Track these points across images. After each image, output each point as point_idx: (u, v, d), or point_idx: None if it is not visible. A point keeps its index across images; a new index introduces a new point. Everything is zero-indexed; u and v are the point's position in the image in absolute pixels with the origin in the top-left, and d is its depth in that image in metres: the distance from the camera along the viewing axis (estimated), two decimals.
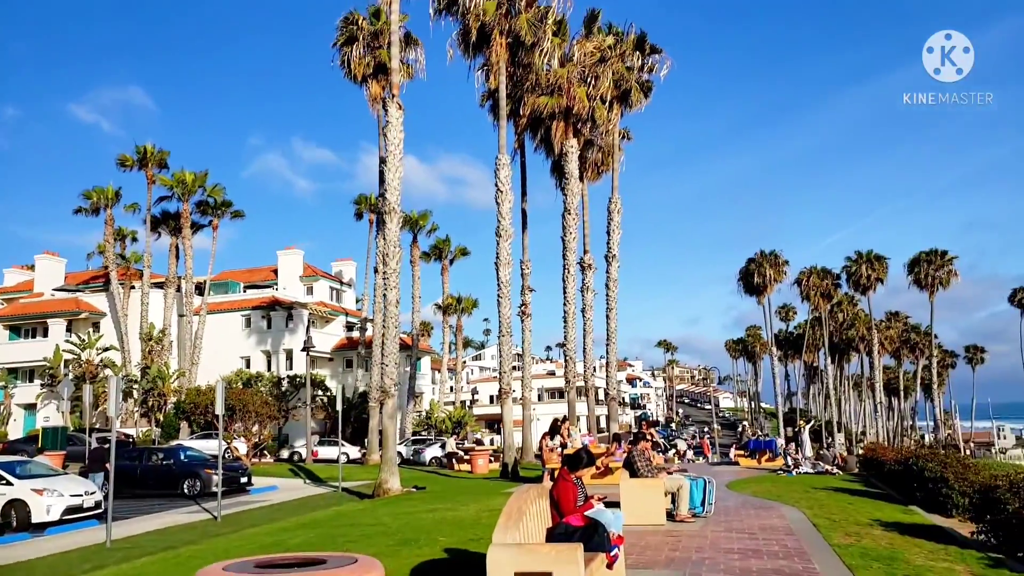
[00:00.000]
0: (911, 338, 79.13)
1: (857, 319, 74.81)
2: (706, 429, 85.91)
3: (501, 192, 29.06)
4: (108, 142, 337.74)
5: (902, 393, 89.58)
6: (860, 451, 32.83)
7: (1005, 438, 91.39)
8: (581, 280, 34.43)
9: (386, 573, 8.27)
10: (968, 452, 58.59)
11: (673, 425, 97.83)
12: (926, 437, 76.15)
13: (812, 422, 66.59)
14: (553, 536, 6.61)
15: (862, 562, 8.65)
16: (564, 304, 33.47)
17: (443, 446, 42.16)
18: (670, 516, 11.89)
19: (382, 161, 22.69)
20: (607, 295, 34.94)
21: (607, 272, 35.03)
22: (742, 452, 33.09)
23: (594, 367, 41.79)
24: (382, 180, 22.68)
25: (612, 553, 6.73)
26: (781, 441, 33.04)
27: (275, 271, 60.72)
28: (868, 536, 10.83)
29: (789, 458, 26.74)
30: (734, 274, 64.89)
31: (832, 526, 11.64)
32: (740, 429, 54.72)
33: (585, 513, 6.95)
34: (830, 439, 49.25)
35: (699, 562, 8.60)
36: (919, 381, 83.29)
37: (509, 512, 6.08)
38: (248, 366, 52.13)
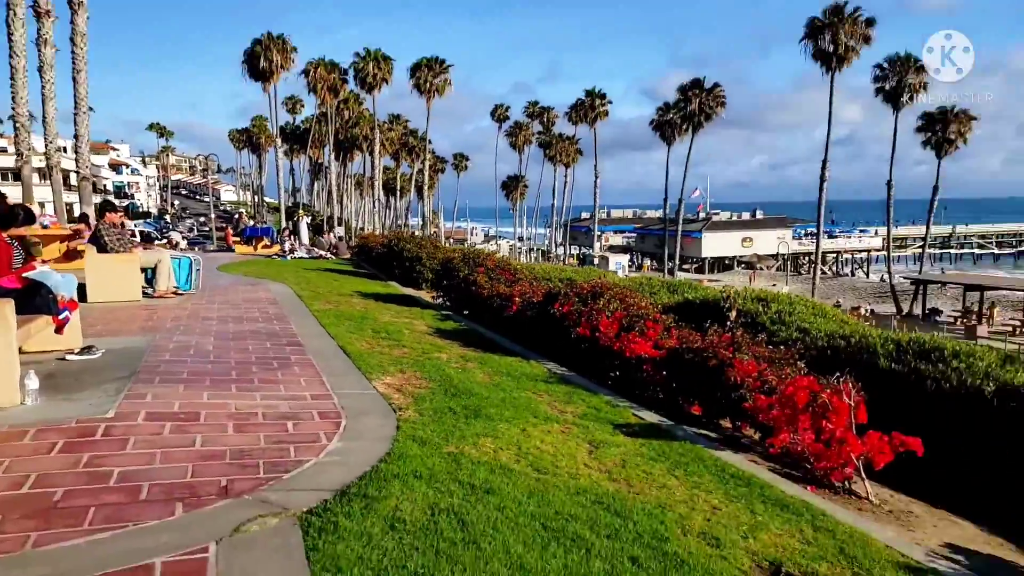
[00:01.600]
0: (409, 142, 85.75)
1: (362, 118, 77.96)
2: (202, 219, 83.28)
3: None
4: None
5: (399, 193, 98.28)
6: (356, 241, 35.08)
7: (476, 235, 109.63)
8: (36, 30, 27.83)
9: None
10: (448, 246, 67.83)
11: (167, 217, 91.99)
12: (415, 233, 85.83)
13: (314, 216, 69.31)
14: None
15: (335, 321, 9.24)
16: (11, 58, 27.06)
17: None
18: (147, 295, 11.10)
19: None
20: (73, 52, 28.68)
21: (72, 23, 28.72)
22: (238, 239, 32.83)
23: (64, 147, 35.70)
24: None
25: (61, 316, 5.90)
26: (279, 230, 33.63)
27: None
28: (346, 303, 11.64)
29: (286, 244, 27.41)
30: (239, 56, 60.83)
31: (315, 297, 12.22)
32: (236, 217, 54.07)
33: (26, 275, 5.90)
34: (329, 231, 51.88)
35: (173, 328, 8.19)
36: (414, 183, 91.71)
37: None
38: None
